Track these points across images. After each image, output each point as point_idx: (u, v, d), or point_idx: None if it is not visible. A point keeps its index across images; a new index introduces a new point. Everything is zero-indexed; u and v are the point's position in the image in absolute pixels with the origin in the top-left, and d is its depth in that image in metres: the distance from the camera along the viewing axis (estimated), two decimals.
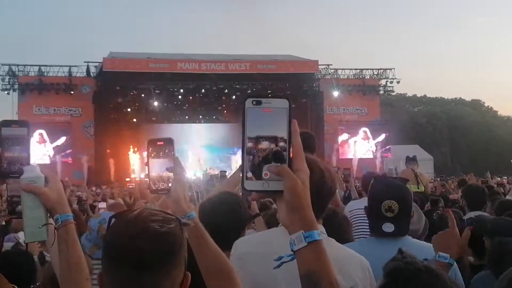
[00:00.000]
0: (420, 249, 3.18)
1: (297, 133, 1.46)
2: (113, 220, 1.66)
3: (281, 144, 1.44)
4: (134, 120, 38.89)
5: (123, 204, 8.23)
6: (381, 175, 6.34)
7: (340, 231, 2.84)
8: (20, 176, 2.12)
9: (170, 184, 2.19)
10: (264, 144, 1.44)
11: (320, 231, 1.49)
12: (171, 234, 1.60)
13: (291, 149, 1.45)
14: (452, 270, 3.15)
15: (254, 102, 1.44)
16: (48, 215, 2.11)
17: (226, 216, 3.39)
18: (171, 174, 2.19)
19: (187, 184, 2.24)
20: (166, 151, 2.23)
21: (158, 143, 2.24)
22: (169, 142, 2.24)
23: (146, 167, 2.25)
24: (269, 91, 36.44)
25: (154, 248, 1.55)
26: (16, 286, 3.03)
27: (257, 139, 1.43)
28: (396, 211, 3.29)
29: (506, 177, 24.99)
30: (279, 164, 1.43)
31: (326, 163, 2.86)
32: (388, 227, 3.28)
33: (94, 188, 21.55)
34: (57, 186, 2.13)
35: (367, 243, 3.50)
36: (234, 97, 38.01)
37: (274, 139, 1.44)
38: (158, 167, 2.22)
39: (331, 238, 2.53)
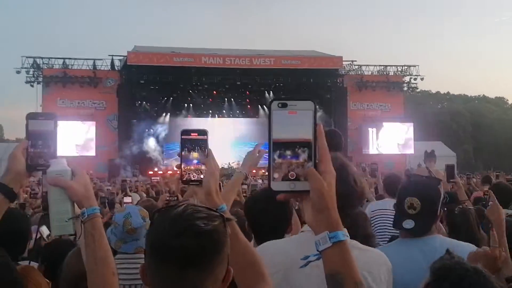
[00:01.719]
0: (453, 246, 3.08)
1: (323, 136, 1.49)
2: (156, 215, 1.66)
3: (307, 146, 1.46)
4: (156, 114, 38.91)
5: (153, 201, 8.21)
6: (416, 175, 6.28)
7: (354, 226, 2.81)
8: (47, 170, 2.12)
9: (202, 176, 2.20)
10: (290, 146, 1.46)
11: (345, 233, 1.52)
12: (216, 232, 1.60)
13: (317, 152, 1.47)
14: None
15: (280, 105, 1.46)
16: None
17: (275, 214, 3.34)
18: (203, 166, 2.21)
19: (219, 177, 2.22)
20: (200, 142, 2.24)
21: (192, 134, 2.25)
22: (202, 133, 2.26)
23: (179, 158, 2.24)
24: (292, 87, 36.46)
25: (198, 246, 1.55)
26: (50, 282, 3.02)
27: (283, 141, 1.46)
28: (418, 209, 3.29)
29: None
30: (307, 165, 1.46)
31: (350, 158, 2.82)
32: (408, 224, 3.29)
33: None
34: (83, 179, 2.13)
35: (395, 245, 3.52)
36: (257, 92, 37.96)
37: (300, 142, 1.46)
38: (191, 158, 2.23)
39: (354, 241, 2.50)
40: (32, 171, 2.17)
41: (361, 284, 1.51)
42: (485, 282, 1.64)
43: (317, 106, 1.50)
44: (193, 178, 2.25)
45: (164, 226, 1.59)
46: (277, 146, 1.46)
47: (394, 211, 5.56)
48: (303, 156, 1.46)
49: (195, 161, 2.24)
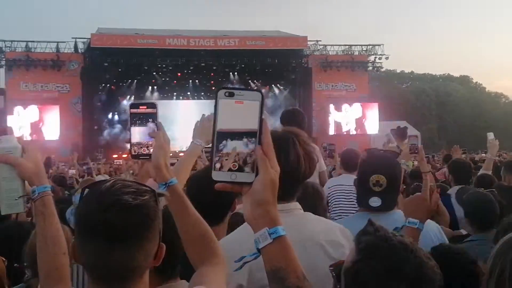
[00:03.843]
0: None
1: (268, 131, 1.45)
2: (86, 191, 1.62)
3: (252, 137, 1.44)
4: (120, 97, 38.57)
5: (94, 180, 8.18)
6: (373, 149, 6.31)
7: (310, 204, 2.81)
8: None
9: (151, 150, 2.16)
10: (234, 136, 1.43)
11: (284, 227, 1.48)
12: (144, 207, 1.56)
13: (262, 146, 1.44)
14: (436, 230, 3.33)
15: (227, 94, 1.43)
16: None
17: (216, 193, 3.29)
18: (153, 140, 2.17)
19: (169, 150, 2.18)
20: (149, 116, 2.21)
21: (141, 107, 2.23)
22: (151, 106, 2.24)
23: (129, 132, 2.23)
24: (257, 67, 36.44)
25: (125, 221, 1.52)
26: (5, 260, 3.01)
27: (228, 131, 1.43)
28: (384, 186, 3.27)
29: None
30: (250, 158, 1.44)
31: (315, 140, 2.78)
32: (375, 202, 3.26)
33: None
34: (34, 156, 2.08)
35: (355, 217, 3.47)
36: (222, 73, 37.89)
37: (245, 132, 1.43)
38: (140, 132, 2.22)
39: (307, 213, 2.54)
40: None
41: (303, 277, 1.50)
42: (413, 257, 1.61)
43: (264, 99, 1.46)
44: (143, 153, 2.23)
45: (91, 201, 1.56)
46: (221, 135, 1.43)
47: (351, 186, 5.46)
48: (247, 148, 1.43)
49: (144, 135, 2.22)
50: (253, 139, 1.43)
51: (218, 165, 1.43)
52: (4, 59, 35.67)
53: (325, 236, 2.44)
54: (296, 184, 2.45)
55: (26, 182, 2.06)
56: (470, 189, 5.54)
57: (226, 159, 1.42)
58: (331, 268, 1.80)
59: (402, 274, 1.59)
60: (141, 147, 2.23)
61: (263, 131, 1.44)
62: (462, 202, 4.81)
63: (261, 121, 1.44)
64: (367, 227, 1.73)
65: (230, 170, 1.43)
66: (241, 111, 1.43)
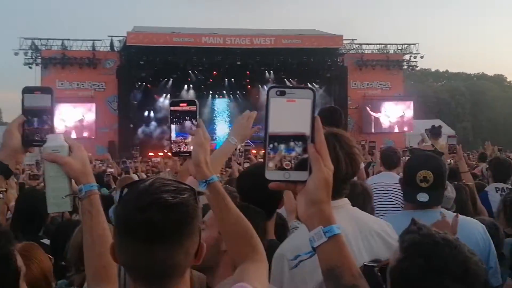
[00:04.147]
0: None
1: (321, 130, 1.46)
2: (125, 190, 1.60)
3: (304, 136, 1.44)
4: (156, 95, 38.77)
5: (133, 178, 8.20)
6: (415, 148, 6.31)
7: (359, 203, 2.83)
8: (43, 145, 2.05)
9: (191, 147, 2.16)
10: (287, 138, 1.44)
11: (339, 226, 1.49)
12: (184, 205, 1.53)
13: (314, 145, 1.45)
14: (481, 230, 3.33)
15: (278, 92, 1.43)
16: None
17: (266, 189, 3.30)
18: (193, 137, 2.16)
19: (209, 148, 2.16)
20: (189, 113, 2.21)
21: (181, 104, 2.24)
22: (192, 103, 2.24)
23: (169, 130, 2.23)
24: (293, 66, 36.35)
25: (165, 219, 1.49)
26: (52, 258, 3.01)
27: (280, 129, 1.43)
28: (431, 181, 3.32)
29: None
30: (304, 157, 1.45)
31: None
32: (423, 197, 3.31)
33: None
34: (81, 155, 2.06)
35: (400, 215, 3.53)
36: (258, 72, 37.76)
37: (297, 135, 1.44)
38: (180, 130, 2.23)
39: (355, 208, 2.58)
40: (28, 147, 2.12)
41: (359, 275, 1.51)
42: (457, 253, 1.62)
43: (316, 96, 1.47)
44: (183, 150, 2.24)
45: (131, 201, 1.54)
46: (274, 136, 1.44)
47: (390, 184, 5.77)
48: (299, 147, 1.44)
49: (185, 133, 2.22)
50: (306, 137, 1.44)
51: (271, 164, 1.45)
52: (40, 57, 36.00)
53: (381, 228, 2.51)
54: (339, 184, 2.40)
55: (72, 181, 2.06)
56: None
57: (279, 158, 1.44)
58: (377, 268, 1.81)
59: (446, 270, 1.59)
60: (181, 144, 2.25)
61: (316, 129, 1.45)
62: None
63: (313, 119, 1.44)
64: (411, 226, 1.74)
65: (283, 169, 1.45)
66: (293, 109, 1.43)
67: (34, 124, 2.09)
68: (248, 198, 3.09)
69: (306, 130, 1.44)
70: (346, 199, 2.53)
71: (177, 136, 2.24)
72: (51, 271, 2.87)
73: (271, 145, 1.44)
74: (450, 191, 4.14)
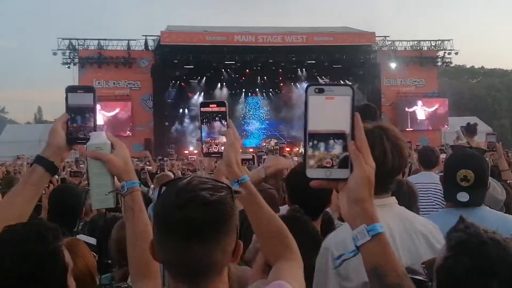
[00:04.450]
0: (498, 219, 3.19)
1: (361, 128, 1.43)
2: (163, 188, 1.61)
3: (344, 134, 1.43)
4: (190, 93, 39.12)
5: (170, 175, 8.19)
6: (457, 145, 6.10)
7: (404, 203, 2.81)
8: (86, 143, 2.10)
9: (223, 148, 2.18)
10: (327, 133, 1.43)
11: (382, 224, 1.47)
12: (221, 203, 1.53)
13: (355, 142, 1.43)
14: None
15: (317, 90, 1.42)
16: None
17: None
18: (224, 138, 2.18)
19: (239, 148, 2.18)
20: (219, 114, 2.23)
21: (211, 105, 2.25)
22: (221, 104, 2.25)
23: (200, 130, 2.25)
24: (325, 63, 36.28)
25: (203, 217, 1.49)
26: (96, 255, 3.05)
27: (320, 127, 1.42)
28: (472, 181, 3.25)
29: None
30: (344, 154, 1.43)
31: None
32: (463, 197, 3.24)
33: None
34: (123, 153, 2.10)
35: (443, 213, 3.47)
36: (290, 70, 37.86)
37: (337, 133, 1.43)
38: (211, 130, 2.24)
39: (402, 207, 2.54)
40: (73, 144, 2.15)
41: (404, 275, 1.47)
42: (505, 254, 1.56)
43: (355, 93, 1.45)
44: (214, 150, 2.27)
45: (169, 198, 1.54)
46: (314, 134, 1.43)
47: (429, 184, 5.65)
48: (340, 144, 1.43)
49: (215, 133, 2.24)
50: (346, 135, 1.42)
51: (312, 162, 1.43)
52: (77, 57, 36.76)
53: (429, 231, 2.43)
54: (387, 178, 2.41)
55: (115, 178, 2.09)
56: None
57: (320, 156, 1.43)
58: (423, 265, 1.80)
59: (493, 272, 1.55)
60: (212, 145, 2.26)
61: (356, 126, 1.43)
62: None
63: (353, 116, 1.42)
64: (458, 224, 1.69)
65: (324, 167, 1.43)
66: (332, 107, 1.42)
67: (77, 122, 2.13)
68: (297, 197, 3.17)
69: (346, 127, 1.42)
70: (394, 197, 2.50)
71: (207, 136, 2.24)
72: (95, 266, 2.89)
73: (310, 143, 1.42)
74: (500, 193, 4.05)
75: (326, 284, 2.35)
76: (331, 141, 1.43)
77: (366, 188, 1.44)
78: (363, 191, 1.44)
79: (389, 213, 2.34)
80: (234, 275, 2.39)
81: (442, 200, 4.28)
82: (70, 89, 2.16)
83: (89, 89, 2.19)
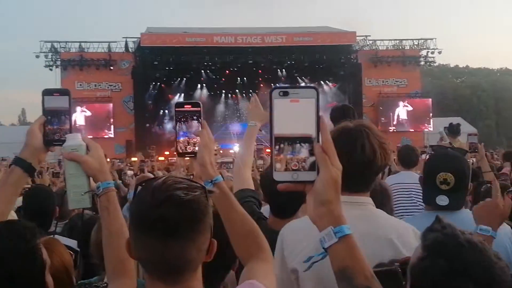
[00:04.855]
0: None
1: (327, 129, 1.45)
2: (139, 188, 1.66)
3: (310, 137, 1.44)
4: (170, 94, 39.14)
5: (149, 177, 8.25)
6: (437, 145, 6.01)
7: (377, 202, 2.76)
8: (62, 144, 2.16)
9: (197, 148, 2.22)
10: (293, 135, 1.44)
11: (349, 226, 1.48)
12: (195, 202, 1.57)
13: (321, 145, 1.45)
14: (509, 233, 3.13)
15: (281, 93, 1.43)
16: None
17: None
18: (198, 138, 2.22)
19: (213, 148, 2.24)
20: (193, 114, 2.26)
21: (186, 106, 2.29)
22: (196, 105, 2.29)
23: (174, 130, 2.30)
24: (305, 64, 36.35)
25: (178, 216, 1.53)
26: (73, 253, 3.10)
27: (286, 130, 1.44)
28: (452, 184, 3.17)
29: None
30: (311, 157, 1.44)
31: None
32: (442, 200, 3.18)
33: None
34: (98, 154, 2.16)
35: (421, 216, 3.40)
36: (270, 70, 37.80)
37: (302, 137, 1.44)
38: (185, 131, 2.27)
39: (380, 210, 2.51)
40: (49, 146, 2.24)
41: (372, 276, 1.48)
42: (481, 256, 1.55)
43: (319, 94, 1.46)
44: (188, 151, 2.29)
45: (145, 198, 1.58)
46: (280, 138, 1.44)
47: (411, 184, 5.52)
48: (306, 147, 1.44)
49: (189, 133, 2.27)
50: (312, 138, 1.43)
51: (278, 166, 1.45)
52: (59, 59, 36.81)
53: (397, 236, 2.36)
54: (373, 176, 2.43)
55: (91, 178, 2.15)
56: None
57: (286, 160, 1.44)
58: (397, 264, 1.81)
59: (469, 275, 1.52)
60: (186, 145, 2.29)
61: (322, 128, 1.44)
62: None
63: (318, 118, 1.44)
64: (435, 224, 1.68)
65: (291, 170, 1.45)
66: (298, 109, 1.43)
67: (54, 124, 2.22)
68: (271, 198, 3.25)
69: (312, 130, 1.43)
70: (370, 198, 2.46)
71: (182, 137, 2.28)
72: (72, 264, 2.93)
73: (277, 147, 1.44)
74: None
75: (274, 266, 2.34)
76: (297, 145, 1.44)
77: (333, 189, 1.46)
78: (329, 192, 1.46)
79: (357, 212, 2.30)
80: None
81: None
82: (46, 92, 2.23)
83: (64, 92, 2.26)
